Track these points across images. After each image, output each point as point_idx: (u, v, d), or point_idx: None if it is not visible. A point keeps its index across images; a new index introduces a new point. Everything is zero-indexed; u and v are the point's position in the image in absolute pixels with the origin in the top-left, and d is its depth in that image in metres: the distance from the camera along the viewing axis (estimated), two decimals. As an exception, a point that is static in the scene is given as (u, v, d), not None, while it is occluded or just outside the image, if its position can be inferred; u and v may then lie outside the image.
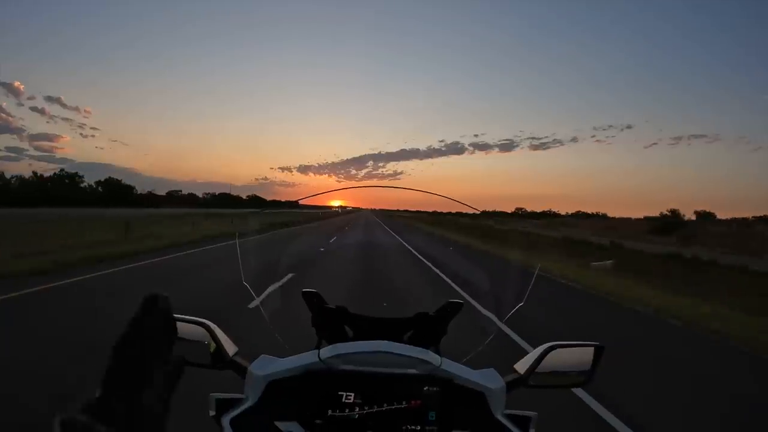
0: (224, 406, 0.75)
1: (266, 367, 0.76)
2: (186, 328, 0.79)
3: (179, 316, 0.79)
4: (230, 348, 0.80)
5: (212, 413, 0.75)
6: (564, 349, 0.81)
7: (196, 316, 0.79)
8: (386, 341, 0.76)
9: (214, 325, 0.80)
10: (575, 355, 0.82)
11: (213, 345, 0.78)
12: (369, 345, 0.75)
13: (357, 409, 0.72)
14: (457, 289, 7.68)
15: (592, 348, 0.82)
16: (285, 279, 7.31)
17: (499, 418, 0.75)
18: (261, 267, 6.93)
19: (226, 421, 0.73)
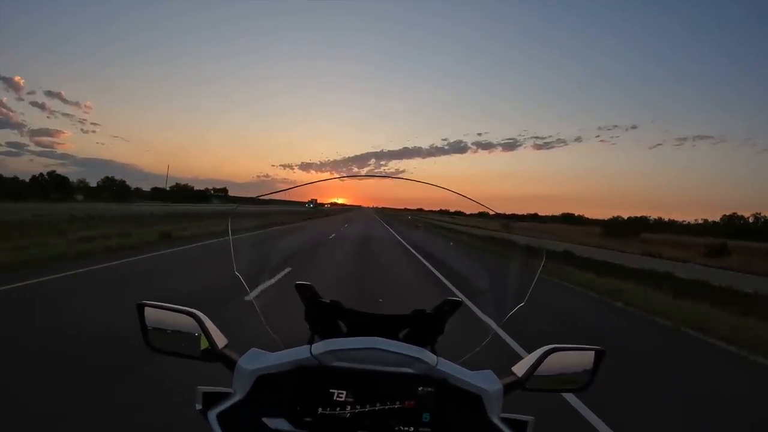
0: (211, 399, 0.72)
1: (256, 360, 0.73)
2: (174, 318, 0.77)
3: (167, 305, 0.77)
4: (220, 340, 0.78)
5: (198, 407, 0.72)
6: (564, 352, 0.79)
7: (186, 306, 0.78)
8: (381, 338, 0.73)
9: (204, 316, 0.78)
10: (575, 359, 0.80)
11: (202, 336, 0.76)
12: (363, 341, 0.72)
13: (348, 408, 0.69)
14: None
15: (593, 352, 0.81)
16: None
17: (495, 421, 0.73)
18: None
19: (212, 415, 0.71)
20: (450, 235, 28.32)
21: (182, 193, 76.70)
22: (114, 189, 62.81)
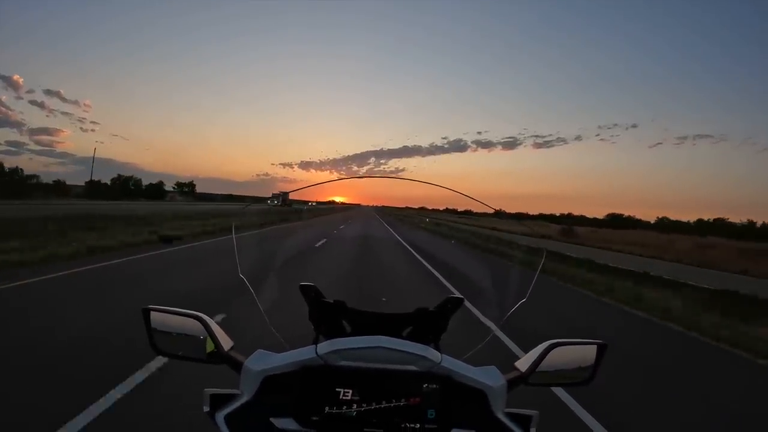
0: (218, 401, 0.73)
1: (262, 362, 0.74)
2: (181, 322, 0.78)
3: (173, 309, 0.78)
4: (226, 342, 0.79)
5: (206, 409, 0.73)
6: (566, 347, 0.80)
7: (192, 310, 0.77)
8: (385, 337, 0.74)
9: (210, 319, 0.78)
10: (577, 353, 0.81)
11: (208, 339, 0.77)
12: (367, 340, 0.73)
13: (354, 406, 0.70)
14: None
15: (595, 346, 0.81)
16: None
17: (500, 416, 0.74)
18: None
19: (220, 417, 0.72)
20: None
21: (125, 187, 58.02)
22: (14, 181, 41.08)
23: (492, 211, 1.16)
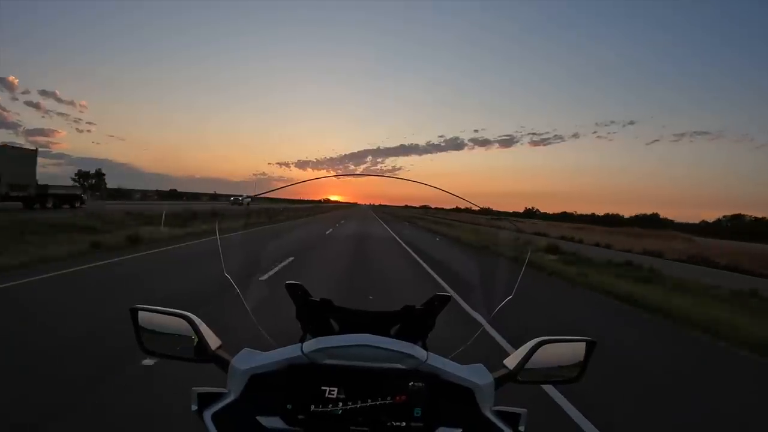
0: (206, 400, 0.73)
1: (249, 360, 0.74)
2: (168, 321, 0.78)
3: (160, 308, 0.78)
4: (213, 341, 0.79)
5: (194, 408, 0.73)
6: (554, 344, 0.79)
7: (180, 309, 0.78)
8: (371, 335, 0.74)
9: (198, 318, 0.79)
10: (566, 350, 0.81)
11: (196, 338, 0.77)
12: (353, 338, 0.73)
13: (340, 405, 0.70)
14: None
15: (584, 343, 0.81)
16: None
17: (488, 414, 0.73)
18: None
19: (207, 415, 0.72)
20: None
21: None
22: None
23: (477, 208, 1.15)
